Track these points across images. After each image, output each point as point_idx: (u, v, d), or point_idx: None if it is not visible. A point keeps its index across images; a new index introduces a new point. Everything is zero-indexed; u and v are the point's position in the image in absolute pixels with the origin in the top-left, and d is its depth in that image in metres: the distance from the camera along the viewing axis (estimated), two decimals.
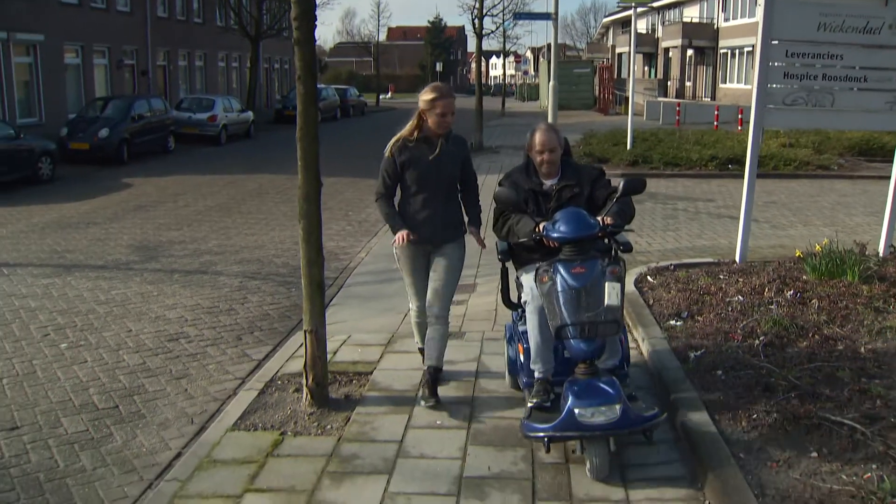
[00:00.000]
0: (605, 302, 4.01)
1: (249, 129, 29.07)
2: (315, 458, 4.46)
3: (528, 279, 4.60)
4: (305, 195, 4.72)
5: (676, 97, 43.88)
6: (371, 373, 5.76)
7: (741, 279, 7.23)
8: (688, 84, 49.90)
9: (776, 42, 7.33)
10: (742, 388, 4.87)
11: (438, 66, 67.71)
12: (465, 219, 5.26)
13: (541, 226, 4.50)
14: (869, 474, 3.85)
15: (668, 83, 51.57)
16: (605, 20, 72.48)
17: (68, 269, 9.41)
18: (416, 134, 4.98)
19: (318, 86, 28.35)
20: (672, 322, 6.20)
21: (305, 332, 5.03)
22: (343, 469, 4.34)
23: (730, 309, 6.35)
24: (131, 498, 4.36)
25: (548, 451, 4.09)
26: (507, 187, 4.79)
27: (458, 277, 5.16)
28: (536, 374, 4.51)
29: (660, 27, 55.55)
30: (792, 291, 6.66)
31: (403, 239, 4.90)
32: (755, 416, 4.50)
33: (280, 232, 11.62)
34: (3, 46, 23.06)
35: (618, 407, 3.86)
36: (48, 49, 25.05)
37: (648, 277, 7.57)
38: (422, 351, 5.43)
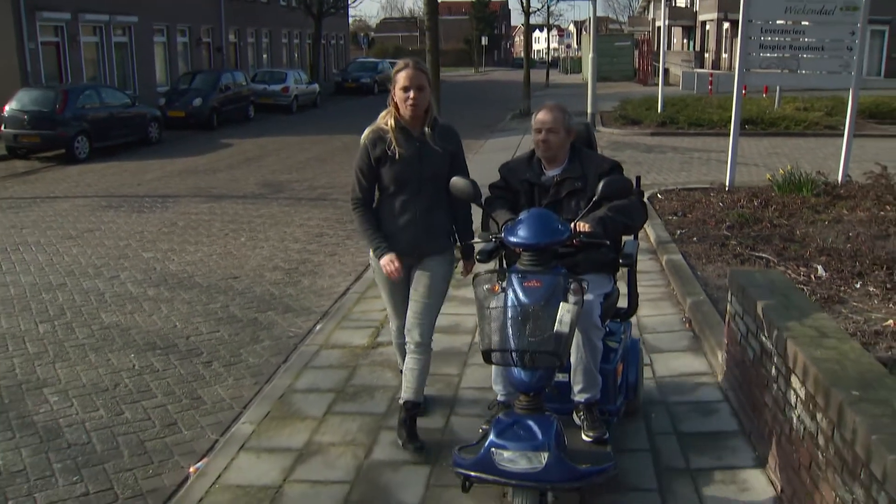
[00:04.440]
0: (555, 327, 3.22)
1: (316, 100, 31.99)
2: None
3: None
4: None
5: (713, 68, 45.88)
6: None
7: (725, 195, 9.91)
8: (724, 56, 51.78)
9: (753, 21, 9.93)
10: (707, 246, 7.63)
11: (483, 41, 70.06)
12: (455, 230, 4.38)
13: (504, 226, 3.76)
14: None
15: (706, 55, 53.43)
16: None
17: (217, 198, 12.38)
18: (390, 122, 4.07)
19: (374, 60, 31.84)
20: (669, 217, 8.95)
21: None
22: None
23: (711, 211, 9.07)
24: (326, 307, 7.21)
25: (464, 490, 3.39)
26: (501, 177, 4.26)
27: (443, 299, 4.32)
28: (498, 397, 4.03)
29: (698, 1, 57.29)
30: (759, 200, 9.33)
31: (395, 268, 4.08)
32: (710, 257, 7.26)
33: None
34: (106, 28, 26.17)
35: (544, 455, 3.12)
36: (141, 29, 28.11)
37: (658, 195, 10.32)
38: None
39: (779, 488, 3.73)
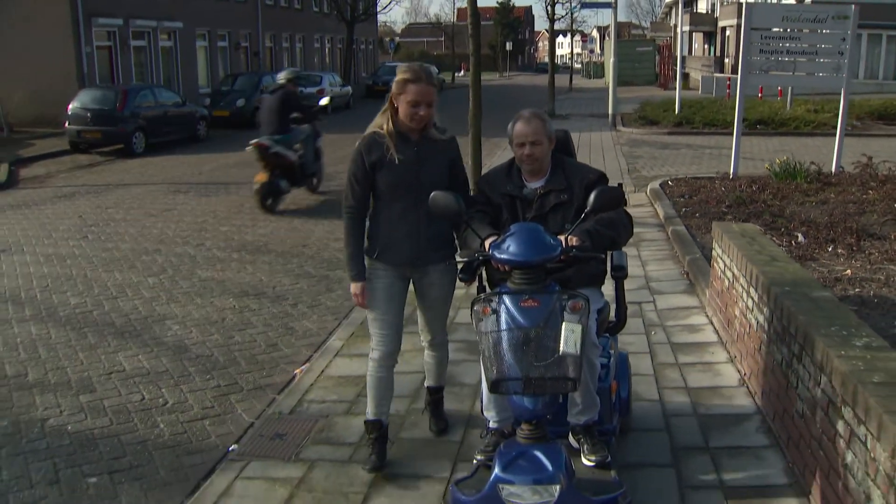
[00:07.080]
0: (561, 349, 3.05)
1: (349, 101, 33.51)
2: None
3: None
4: (473, 113, 8.92)
5: (732, 73, 47.03)
6: None
7: (728, 182, 11.22)
8: None
9: (754, 29, 11.24)
10: (706, 220, 8.97)
11: (508, 46, 71.47)
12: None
13: (488, 242, 3.54)
14: None
15: (725, 60, 54.56)
16: (668, 0, 75.17)
17: None
18: (387, 127, 3.88)
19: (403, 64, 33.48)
20: (677, 199, 10.29)
21: None
22: None
23: (714, 194, 10.39)
24: None
25: None
26: (480, 191, 4.03)
27: (451, 300, 4.23)
28: (490, 424, 3.82)
29: (718, 7, 58.43)
30: (757, 186, 10.62)
31: (360, 301, 4.07)
32: (708, 228, 8.58)
33: None
34: (153, 33, 27.83)
35: (555, 488, 2.95)
36: (184, 34, 29.77)
37: (669, 182, 11.66)
38: (368, 425, 4.20)
39: (742, 372, 5.07)
